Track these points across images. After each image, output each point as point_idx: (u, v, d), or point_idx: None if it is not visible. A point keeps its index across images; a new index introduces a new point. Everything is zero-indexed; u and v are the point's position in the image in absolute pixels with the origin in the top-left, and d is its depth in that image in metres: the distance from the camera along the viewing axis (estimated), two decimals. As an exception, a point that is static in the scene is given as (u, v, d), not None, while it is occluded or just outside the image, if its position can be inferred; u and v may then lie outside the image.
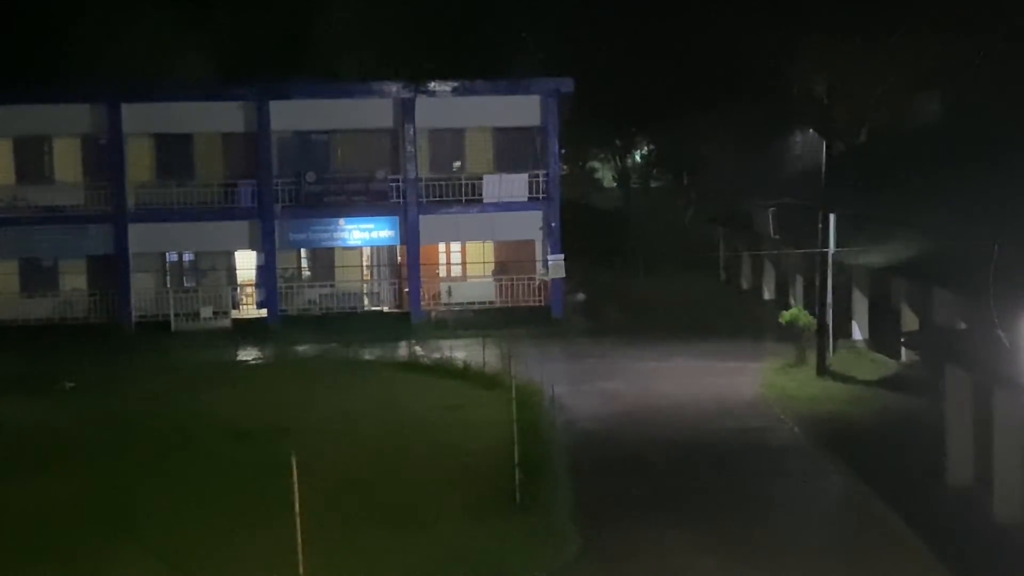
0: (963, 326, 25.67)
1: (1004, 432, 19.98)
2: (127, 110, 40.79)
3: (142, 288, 41.22)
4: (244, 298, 42.61)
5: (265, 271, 41.54)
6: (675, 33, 50.37)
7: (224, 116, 41.43)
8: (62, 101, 40.69)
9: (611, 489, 22.67)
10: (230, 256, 42.59)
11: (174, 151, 41.67)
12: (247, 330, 40.12)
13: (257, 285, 42.26)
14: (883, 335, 33.77)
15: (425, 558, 18.48)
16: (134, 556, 18.59)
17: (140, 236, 40.87)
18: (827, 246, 32.87)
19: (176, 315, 40.43)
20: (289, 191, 41.43)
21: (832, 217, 32.80)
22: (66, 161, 41.58)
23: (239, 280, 42.72)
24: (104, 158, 41.04)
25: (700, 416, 28.23)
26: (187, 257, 42.76)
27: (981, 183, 29.45)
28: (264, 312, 41.45)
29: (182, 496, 21.55)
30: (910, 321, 32.16)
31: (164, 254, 42.16)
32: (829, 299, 32.99)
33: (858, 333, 36.03)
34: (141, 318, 40.74)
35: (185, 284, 42.17)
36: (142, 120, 41.00)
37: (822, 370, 31.88)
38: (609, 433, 26.98)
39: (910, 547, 19.25)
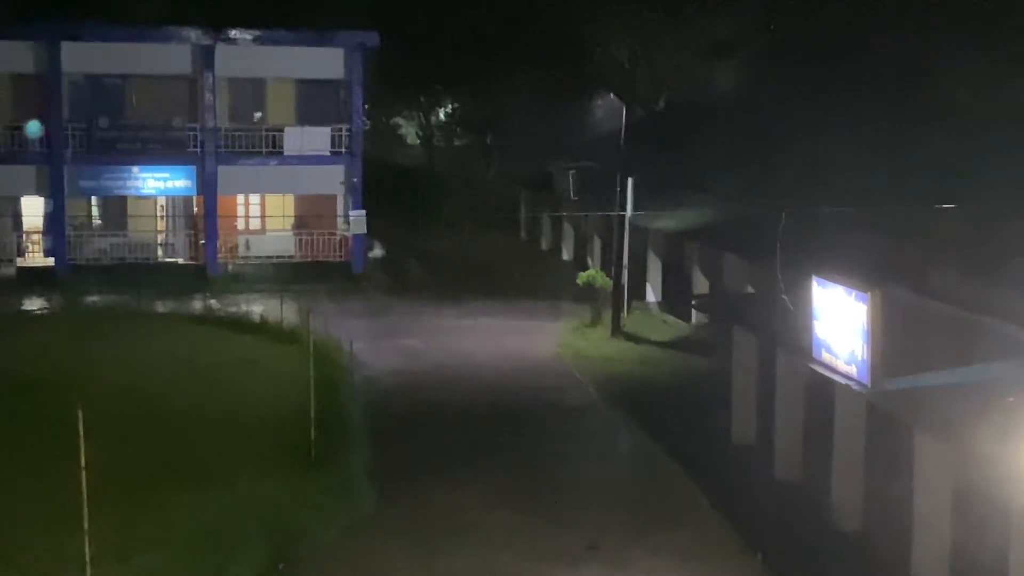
0: (750, 290, 26.60)
1: (785, 393, 20.89)
2: (-95, 45, 38.62)
3: (-81, 233, 39.25)
4: (30, 246, 40.93)
5: (53, 218, 39.91)
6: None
7: (12, 55, 39.44)
8: None
9: (408, 445, 22.80)
10: (16, 202, 40.80)
11: (-43, 90, 39.70)
12: (33, 279, 38.61)
13: (44, 232, 40.63)
14: (675, 298, 34.75)
15: (217, 514, 18.20)
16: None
17: (-82, 178, 38.81)
18: (624, 210, 33.56)
19: (-44, 262, 38.66)
20: (80, 136, 39.88)
21: (630, 181, 33.49)
22: None
23: (25, 227, 41.02)
24: None
25: (498, 374, 28.59)
26: (-31, 202, 40.88)
27: (771, 153, 30.56)
28: (51, 261, 39.90)
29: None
30: (701, 285, 33.18)
31: (-55, 197, 40.27)
32: (625, 261, 33.74)
33: (652, 295, 36.97)
34: (-83, 264, 38.80)
35: (-33, 229, 40.31)
36: (-79, 56, 38.88)
37: (616, 331, 32.60)
38: (407, 390, 27.07)
39: (693, 501, 20.01)
